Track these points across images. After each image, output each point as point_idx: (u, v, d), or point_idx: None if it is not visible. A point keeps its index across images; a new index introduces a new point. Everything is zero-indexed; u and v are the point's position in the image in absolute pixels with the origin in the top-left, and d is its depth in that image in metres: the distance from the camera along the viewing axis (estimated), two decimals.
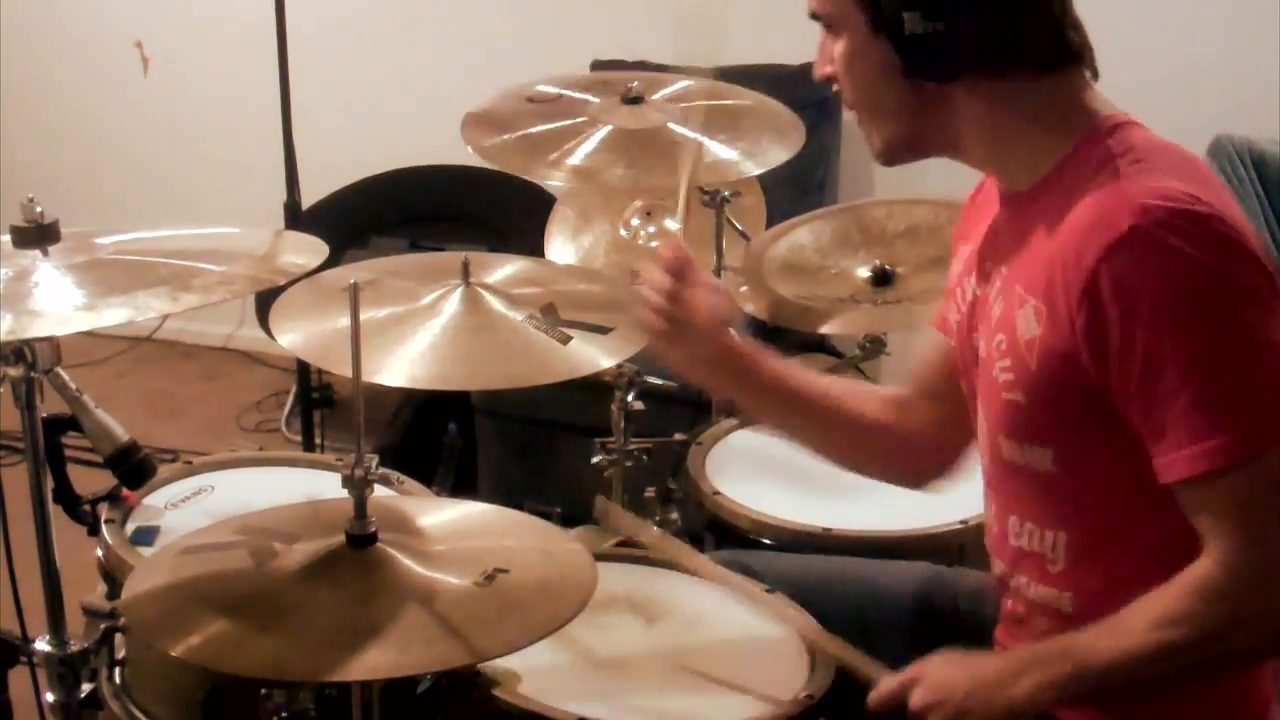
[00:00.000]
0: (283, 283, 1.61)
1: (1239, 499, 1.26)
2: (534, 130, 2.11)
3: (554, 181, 2.11)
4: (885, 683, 1.43)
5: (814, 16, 1.48)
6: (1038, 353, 1.35)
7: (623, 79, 2.20)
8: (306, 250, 1.64)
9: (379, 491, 1.56)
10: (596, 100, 2.19)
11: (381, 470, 1.62)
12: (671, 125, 2.13)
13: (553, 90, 2.25)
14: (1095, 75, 1.41)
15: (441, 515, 1.51)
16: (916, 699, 1.38)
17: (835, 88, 1.50)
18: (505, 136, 2.10)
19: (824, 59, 1.49)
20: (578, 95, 2.22)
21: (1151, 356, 1.26)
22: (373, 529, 1.38)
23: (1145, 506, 1.34)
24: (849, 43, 1.44)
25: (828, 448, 1.73)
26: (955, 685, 1.37)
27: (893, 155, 1.50)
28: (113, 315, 1.43)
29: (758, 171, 2.09)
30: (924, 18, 1.35)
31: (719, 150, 2.10)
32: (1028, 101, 1.39)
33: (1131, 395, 1.29)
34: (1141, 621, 1.30)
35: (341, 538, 1.38)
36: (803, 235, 2.32)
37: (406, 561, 1.37)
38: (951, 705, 1.36)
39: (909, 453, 1.68)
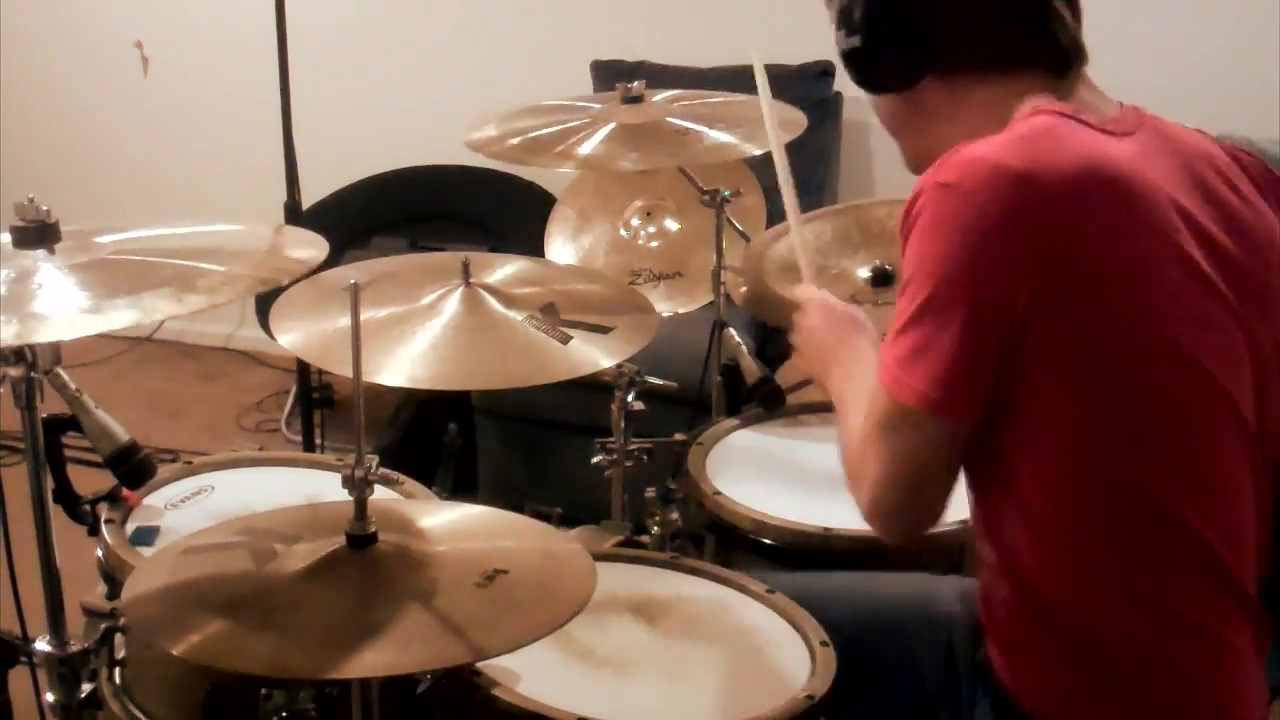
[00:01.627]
0: (287, 281, 1.60)
1: (873, 409, 1.40)
2: (539, 133, 2.11)
3: (564, 169, 2.12)
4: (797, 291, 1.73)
5: None
6: None
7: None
8: (308, 246, 1.64)
9: (379, 492, 1.56)
10: (598, 106, 2.19)
11: (382, 470, 1.62)
12: (671, 119, 2.14)
13: (554, 103, 2.26)
14: (1059, 72, 1.44)
15: (441, 516, 1.51)
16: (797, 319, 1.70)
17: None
18: (511, 141, 2.10)
19: None
20: (580, 103, 2.23)
21: (903, 278, 1.38)
22: (373, 529, 1.38)
23: (999, 462, 1.40)
24: None
25: None
26: (814, 329, 1.67)
27: (917, 166, 1.53)
28: (119, 318, 1.41)
29: (758, 151, 2.09)
30: (846, 35, 1.49)
31: (718, 135, 2.10)
32: (988, 100, 1.45)
33: None
34: (849, 424, 1.48)
35: (342, 538, 1.38)
36: (807, 233, 2.31)
37: (407, 562, 1.37)
38: (804, 334, 1.69)
39: None
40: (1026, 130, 1.38)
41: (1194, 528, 1.38)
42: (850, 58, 1.51)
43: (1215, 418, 1.40)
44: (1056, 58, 1.45)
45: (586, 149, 2.06)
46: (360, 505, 1.38)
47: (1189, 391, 1.38)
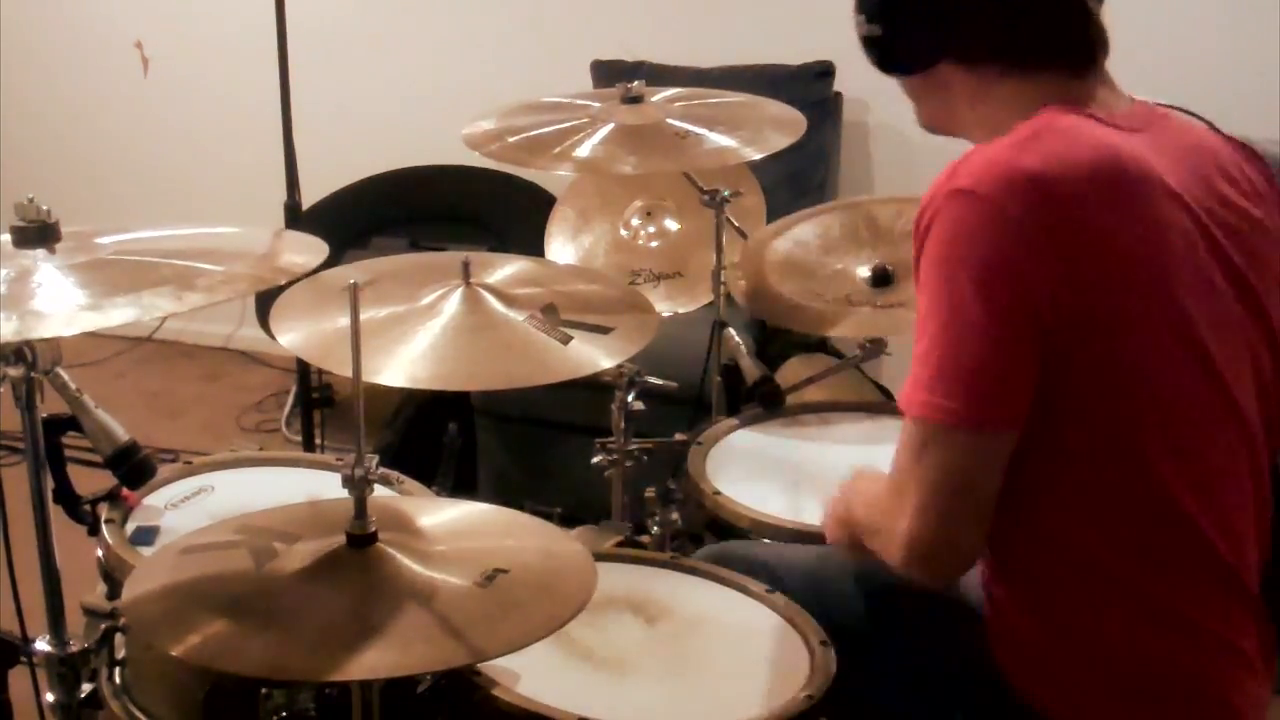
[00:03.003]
0: (284, 282, 1.61)
1: (906, 446, 1.36)
2: (537, 132, 2.11)
3: (562, 172, 2.11)
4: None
5: None
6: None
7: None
8: (307, 250, 1.64)
9: (378, 491, 1.56)
10: (597, 105, 2.19)
11: (381, 470, 1.62)
12: (670, 121, 2.13)
13: (553, 100, 2.26)
14: (1080, 68, 1.44)
15: (441, 515, 1.51)
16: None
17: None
18: (510, 139, 2.10)
19: None
20: (579, 102, 2.23)
21: (921, 293, 1.36)
22: (373, 529, 1.38)
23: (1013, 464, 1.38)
24: None
25: None
26: (835, 514, 1.60)
27: (930, 126, 1.58)
28: (118, 315, 1.42)
29: (758, 156, 2.08)
30: (866, 21, 1.50)
31: (718, 139, 2.10)
32: (1006, 93, 1.44)
33: None
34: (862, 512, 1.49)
35: (342, 538, 1.38)
36: (808, 230, 2.32)
37: (406, 561, 1.37)
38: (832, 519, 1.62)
39: None
40: (1036, 129, 1.38)
41: (1202, 529, 1.38)
42: (869, 42, 1.51)
43: (1223, 418, 1.40)
44: (1079, 54, 1.44)
45: (585, 151, 2.06)
46: (360, 504, 1.38)
47: (1203, 389, 1.38)
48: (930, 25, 1.46)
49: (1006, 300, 1.30)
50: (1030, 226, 1.29)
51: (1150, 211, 1.35)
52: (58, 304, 1.44)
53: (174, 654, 1.26)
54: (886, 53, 1.50)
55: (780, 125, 2.17)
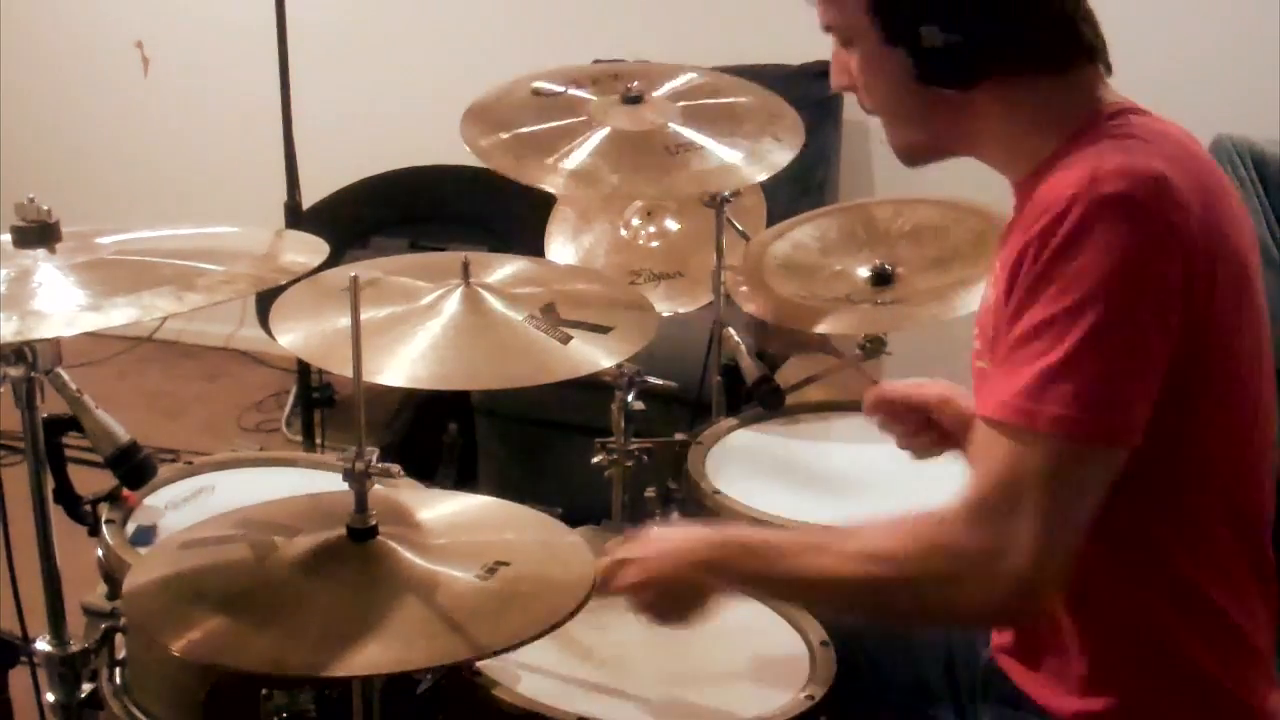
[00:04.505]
0: (285, 282, 1.61)
1: (1023, 466, 1.24)
2: (530, 129, 2.10)
3: (547, 187, 2.09)
4: (599, 565, 1.45)
5: (827, 29, 1.48)
6: (992, 314, 1.37)
7: (627, 73, 2.19)
8: (307, 249, 1.64)
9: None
10: (595, 99, 2.18)
11: (381, 465, 1.62)
12: (672, 126, 2.12)
13: (558, 88, 2.24)
14: (1109, 69, 1.42)
15: (442, 508, 1.52)
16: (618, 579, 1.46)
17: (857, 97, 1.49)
18: (502, 135, 2.10)
19: (839, 70, 1.49)
20: (579, 93, 2.22)
21: (1033, 292, 1.25)
22: (373, 522, 1.38)
23: None
24: (864, 54, 1.44)
25: None
26: (647, 551, 1.45)
27: (914, 158, 1.48)
28: (119, 315, 1.41)
29: (762, 177, 2.08)
30: (943, 30, 1.35)
31: (722, 153, 2.09)
32: (1042, 99, 1.39)
33: (1006, 321, 1.29)
34: (856, 547, 1.33)
35: (342, 531, 1.38)
36: (807, 232, 2.32)
37: (407, 555, 1.37)
38: (639, 566, 1.44)
39: None
40: (1149, 133, 1.34)
41: (1256, 533, 1.37)
42: (940, 53, 1.37)
43: (1269, 422, 1.39)
44: (1096, 51, 1.41)
45: (574, 164, 2.04)
46: (360, 498, 1.38)
47: (1268, 393, 1.37)
48: (1014, 29, 1.36)
49: (1165, 308, 1.25)
50: (1182, 236, 1.25)
51: (1237, 208, 1.36)
52: (58, 304, 1.44)
53: (174, 650, 1.26)
54: (955, 64, 1.37)
55: (781, 130, 2.16)
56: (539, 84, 2.22)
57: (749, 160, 2.09)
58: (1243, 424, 1.36)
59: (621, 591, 1.46)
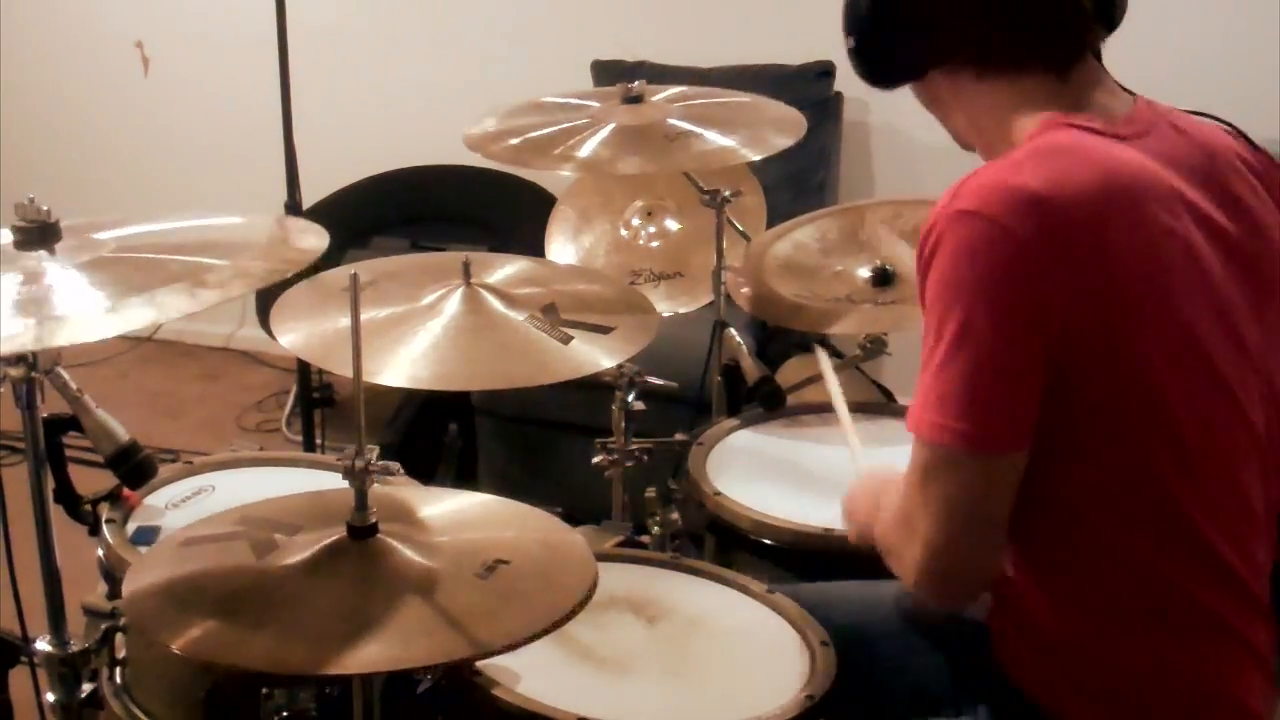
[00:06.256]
0: (295, 272, 1.57)
1: (916, 469, 1.36)
2: (536, 133, 2.11)
3: (564, 172, 2.10)
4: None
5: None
6: None
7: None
8: (311, 235, 1.63)
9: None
10: (597, 104, 2.19)
11: (381, 464, 1.62)
12: (672, 121, 2.13)
13: (554, 100, 2.26)
14: (1060, 73, 1.43)
15: (442, 506, 1.51)
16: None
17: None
18: (510, 141, 2.10)
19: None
20: (579, 102, 2.23)
21: (922, 307, 1.35)
22: (373, 520, 1.38)
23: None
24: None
25: None
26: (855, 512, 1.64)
27: (962, 144, 1.55)
28: (136, 317, 1.38)
29: (757, 157, 2.08)
30: (846, 34, 1.51)
31: (718, 139, 2.10)
32: (990, 104, 1.45)
33: None
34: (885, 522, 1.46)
35: (342, 529, 1.38)
36: (807, 233, 2.32)
37: (407, 553, 1.37)
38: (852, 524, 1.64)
39: None
40: (1038, 149, 1.37)
41: (1205, 535, 1.38)
42: (854, 55, 1.52)
43: (1231, 426, 1.40)
44: (1056, 58, 1.43)
45: (585, 151, 2.06)
46: (360, 496, 1.38)
47: (1210, 398, 1.37)
48: (908, 33, 1.45)
49: (1017, 320, 1.29)
50: (1038, 248, 1.29)
51: (1152, 226, 1.35)
52: (77, 309, 1.40)
53: (174, 648, 1.26)
54: (870, 64, 1.51)
55: (781, 126, 2.16)
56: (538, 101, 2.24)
57: (748, 143, 2.09)
58: (1170, 433, 1.36)
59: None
